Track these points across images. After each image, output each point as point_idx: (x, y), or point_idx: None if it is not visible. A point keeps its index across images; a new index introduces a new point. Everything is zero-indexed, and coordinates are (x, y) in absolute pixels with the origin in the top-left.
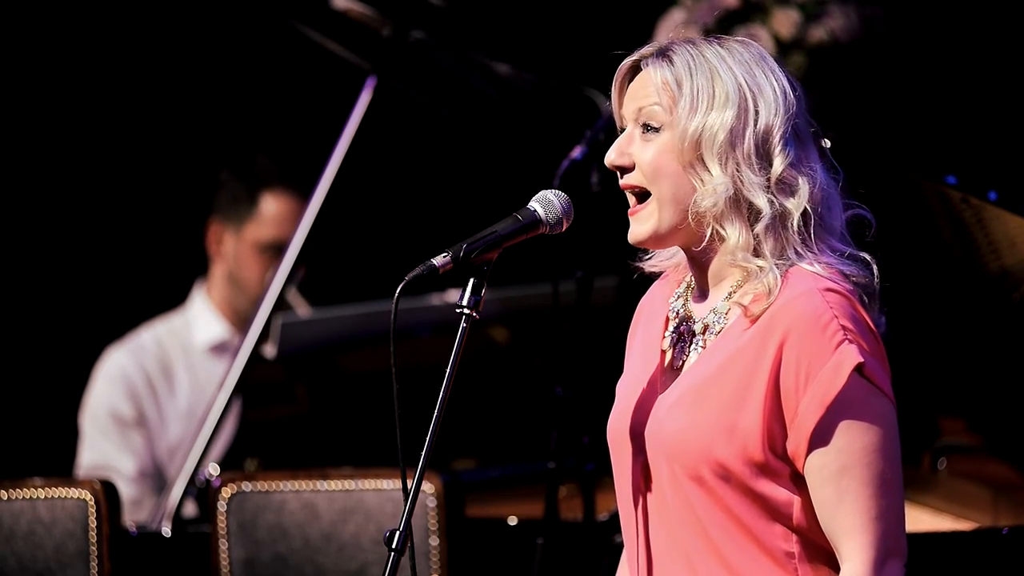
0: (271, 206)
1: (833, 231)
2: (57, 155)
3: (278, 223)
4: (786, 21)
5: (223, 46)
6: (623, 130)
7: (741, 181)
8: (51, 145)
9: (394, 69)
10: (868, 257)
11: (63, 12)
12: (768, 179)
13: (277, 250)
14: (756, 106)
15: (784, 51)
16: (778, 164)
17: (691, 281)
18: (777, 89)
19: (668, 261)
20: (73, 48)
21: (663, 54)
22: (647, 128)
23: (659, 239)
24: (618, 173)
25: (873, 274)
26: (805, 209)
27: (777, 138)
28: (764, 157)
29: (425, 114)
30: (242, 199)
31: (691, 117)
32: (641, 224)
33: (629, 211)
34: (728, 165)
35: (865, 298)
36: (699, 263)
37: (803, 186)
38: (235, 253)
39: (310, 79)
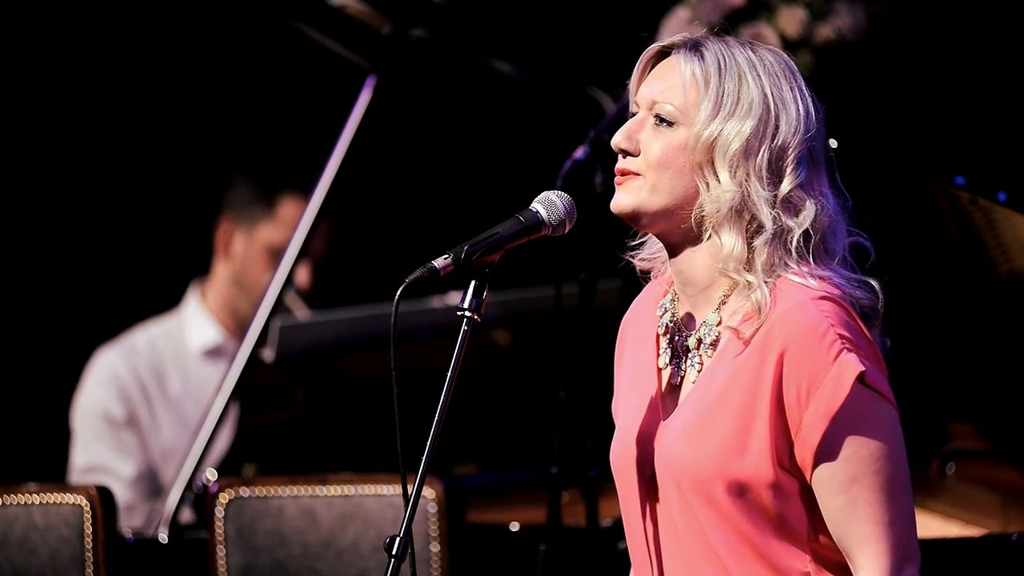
0: (290, 210)
1: (834, 255)
2: (51, 156)
3: (294, 228)
4: (792, 19)
5: (222, 45)
6: (634, 114)
7: (748, 192)
8: (45, 146)
9: (395, 68)
10: (872, 281)
11: (62, 12)
12: (775, 195)
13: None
14: (777, 121)
15: (791, 50)
16: (787, 182)
17: (675, 293)
18: (801, 108)
19: (661, 254)
20: (67, 48)
21: (695, 48)
22: (661, 120)
23: (640, 216)
24: (619, 155)
25: (878, 297)
26: (807, 230)
27: (791, 157)
28: (775, 173)
29: (426, 113)
30: (258, 200)
31: (710, 119)
32: (627, 195)
33: (616, 180)
34: (737, 174)
35: (857, 306)
36: (684, 267)
37: (809, 208)
38: (244, 254)
39: (310, 78)
